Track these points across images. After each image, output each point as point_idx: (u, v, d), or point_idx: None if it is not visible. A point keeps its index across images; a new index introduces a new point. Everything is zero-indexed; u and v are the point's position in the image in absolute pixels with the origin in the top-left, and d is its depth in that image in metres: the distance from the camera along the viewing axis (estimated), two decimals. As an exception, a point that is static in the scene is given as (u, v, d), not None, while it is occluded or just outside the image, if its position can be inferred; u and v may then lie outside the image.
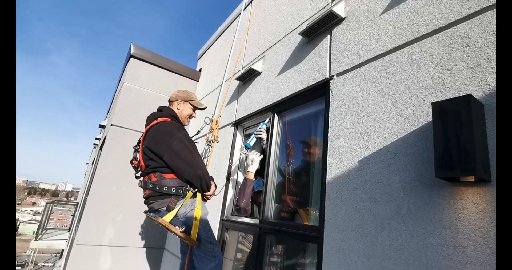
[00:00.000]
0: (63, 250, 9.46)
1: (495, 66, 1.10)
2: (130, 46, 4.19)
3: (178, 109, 2.24)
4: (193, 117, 2.35)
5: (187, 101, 2.28)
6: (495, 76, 1.09)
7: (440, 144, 1.05)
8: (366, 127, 1.55)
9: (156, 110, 2.25)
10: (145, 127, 2.10)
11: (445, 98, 1.19)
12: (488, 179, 1.01)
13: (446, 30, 1.30)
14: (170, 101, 2.29)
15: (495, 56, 1.11)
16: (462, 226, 1.06)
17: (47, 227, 10.26)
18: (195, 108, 2.33)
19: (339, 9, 1.93)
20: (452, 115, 1.03)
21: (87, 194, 4.38)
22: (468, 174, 0.97)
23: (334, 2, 2.08)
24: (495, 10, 1.15)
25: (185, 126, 2.28)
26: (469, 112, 1.00)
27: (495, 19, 1.14)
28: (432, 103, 1.11)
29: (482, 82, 1.12)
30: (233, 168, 2.94)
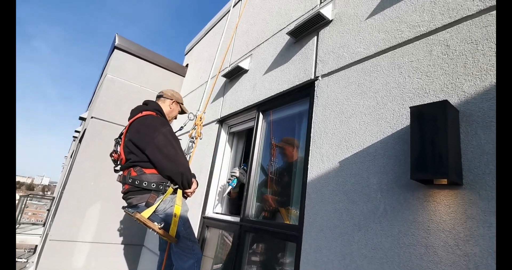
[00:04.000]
0: (36, 246, 9.13)
1: (472, 73, 1.14)
2: (115, 37, 4.08)
3: (170, 108, 2.29)
4: (175, 119, 2.44)
5: (179, 103, 2.36)
6: (471, 83, 1.13)
7: (416, 147, 1.08)
8: (347, 128, 1.58)
9: (141, 104, 2.21)
10: (129, 120, 2.06)
11: (423, 103, 1.23)
12: (460, 183, 1.05)
13: (427, 37, 1.34)
14: (162, 97, 2.28)
15: (472, 64, 1.15)
16: (434, 227, 1.10)
17: (21, 222, 9.86)
18: (181, 112, 2.42)
19: (327, 11, 1.95)
20: (428, 119, 1.07)
21: (63, 188, 4.24)
22: (441, 177, 1.00)
23: (322, 4, 2.10)
24: (474, 20, 1.19)
25: None
26: (444, 117, 1.03)
27: (473, 28, 1.18)
28: (410, 107, 1.14)
29: (458, 89, 1.16)
30: (216, 165, 2.92)
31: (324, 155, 1.67)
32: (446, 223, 1.08)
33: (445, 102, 1.05)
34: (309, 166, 1.75)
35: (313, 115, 1.85)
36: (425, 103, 1.24)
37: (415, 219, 1.16)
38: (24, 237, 8.79)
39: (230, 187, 2.59)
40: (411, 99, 1.31)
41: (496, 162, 0.99)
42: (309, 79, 1.98)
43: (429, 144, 1.03)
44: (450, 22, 1.27)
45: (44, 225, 9.31)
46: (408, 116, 1.28)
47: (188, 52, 5.08)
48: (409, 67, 1.37)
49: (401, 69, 1.40)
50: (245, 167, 2.68)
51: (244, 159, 3.01)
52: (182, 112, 2.42)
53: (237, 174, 2.59)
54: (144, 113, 2.04)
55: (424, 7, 1.39)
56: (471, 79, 1.14)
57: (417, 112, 1.11)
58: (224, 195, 2.80)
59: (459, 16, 1.24)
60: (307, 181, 1.73)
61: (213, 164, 2.91)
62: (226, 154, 3.00)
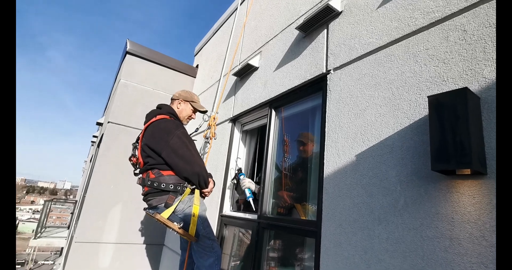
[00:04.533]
0: (62, 248, 9.49)
1: (491, 58, 1.10)
2: (126, 42, 4.16)
3: (178, 108, 2.25)
4: (192, 118, 2.35)
5: (188, 101, 2.28)
6: (491, 69, 1.09)
7: (436, 137, 1.05)
8: (363, 121, 1.55)
9: (155, 108, 2.25)
10: (144, 125, 2.10)
11: (441, 92, 1.19)
12: (484, 172, 1.02)
13: (442, 23, 1.30)
14: (172, 99, 2.31)
15: (491, 49, 1.11)
16: (458, 219, 1.07)
17: (46, 225, 10.26)
18: (195, 110, 2.34)
19: (336, 3, 1.91)
20: (448, 108, 1.03)
21: (85, 192, 4.38)
22: (464, 167, 0.97)
23: (330, -4, 2.06)
24: (491, 2, 1.14)
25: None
26: (465, 105, 1.00)
27: (491, 11, 1.13)
28: (428, 97, 1.11)
29: (479, 75, 1.12)
30: (231, 164, 2.94)
31: (340, 149, 1.65)
32: (471, 214, 1.04)
33: (465, 90, 1.01)
34: (325, 161, 1.73)
35: (326, 109, 1.82)
36: (443, 91, 1.20)
37: (437, 211, 1.13)
38: (50, 240, 9.14)
39: (251, 198, 2.51)
40: (429, 88, 1.27)
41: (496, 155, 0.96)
42: (320, 73, 1.95)
43: (450, 134, 1.00)
44: (466, 6, 1.22)
45: (68, 227, 9.65)
46: (426, 106, 1.25)
47: (198, 52, 5.12)
48: (425, 55, 1.33)
49: (417, 58, 1.36)
50: (242, 176, 2.65)
51: (258, 156, 3.02)
52: (198, 110, 2.33)
53: (251, 186, 2.55)
54: (158, 117, 2.07)
55: (437, -8, 1.34)
56: (491, 64, 1.09)
57: (435, 102, 1.07)
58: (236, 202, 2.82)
59: (475, -1, 1.19)
60: (324, 176, 1.71)
61: (228, 163, 2.93)
62: (240, 152, 3.02)
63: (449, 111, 1.03)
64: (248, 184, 2.56)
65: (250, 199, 2.50)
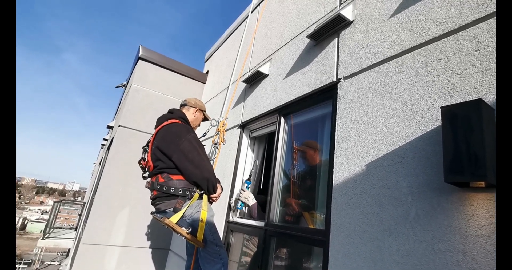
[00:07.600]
0: (69, 249, 9.57)
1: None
2: (139, 48, 4.25)
3: (194, 116, 2.36)
4: (199, 126, 2.49)
5: (202, 111, 2.42)
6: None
7: (449, 148, 1.03)
8: (373, 130, 1.55)
9: (164, 112, 2.29)
10: (155, 128, 2.14)
11: (454, 102, 1.18)
12: (499, 185, 0.99)
13: (456, 33, 1.29)
14: (186, 106, 2.35)
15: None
16: (471, 232, 1.05)
17: (54, 226, 10.39)
18: (204, 119, 2.48)
19: (347, 12, 1.92)
20: (462, 119, 1.02)
21: (94, 194, 4.43)
22: (478, 179, 0.95)
23: (342, 5, 2.08)
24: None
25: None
26: (479, 116, 0.98)
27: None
28: (441, 107, 1.10)
29: (493, 87, 1.11)
30: (238, 170, 2.94)
31: (350, 158, 1.64)
32: (485, 228, 1.02)
33: (479, 101, 1.00)
34: (334, 169, 1.72)
35: (336, 118, 1.82)
36: (456, 102, 1.19)
37: (450, 224, 1.11)
38: (58, 241, 9.23)
39: (238, 210, 2.78)
40: (441, 99, 1.26)
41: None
42: (331, 81, 1.95)
43: (464, 145, 0.99)
44: (480, 17, 1.21)
45: (76, 229, 9.75)
46: (438, 116, 1.24)
47: (208, 59, 5.19)
48: (437, 65, 1.32)
49: (429, 68, 1.35)
50: (248, 185, 2.77)
51: (266, 163, 3.01)
52: (205, 119, 2.49)
53: (244, 200, 2.72)
54: (170, 121, 2.11)
55: (451, 3, 1.34)
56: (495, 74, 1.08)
57: (449, 113, 1.06)
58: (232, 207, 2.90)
59: (489, 10, 1.19)
60: (333, 184, 1.70)
61: (236, 169, 2.94)
62: (248, 158, 3.02)
63: (463, 122, 1.01)
64: (243, 199, 2.72)
65: (238, 210, 2.75)
